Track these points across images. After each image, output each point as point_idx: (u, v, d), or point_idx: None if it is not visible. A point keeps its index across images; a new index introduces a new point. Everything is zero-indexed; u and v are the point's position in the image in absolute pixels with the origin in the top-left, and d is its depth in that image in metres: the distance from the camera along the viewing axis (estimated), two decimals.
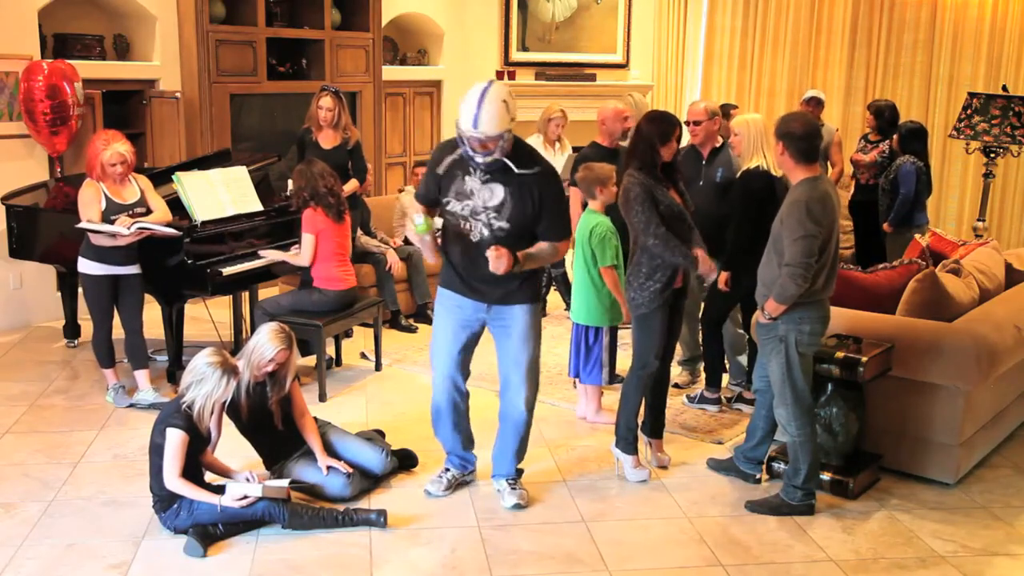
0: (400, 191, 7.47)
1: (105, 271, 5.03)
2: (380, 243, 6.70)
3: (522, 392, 4.02)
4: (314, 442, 4.18)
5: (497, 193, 3.79)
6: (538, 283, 4.07)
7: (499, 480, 4.19)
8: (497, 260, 3.71)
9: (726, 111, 6.76)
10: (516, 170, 3.74)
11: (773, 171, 4.83)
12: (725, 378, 5.58)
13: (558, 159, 6.78)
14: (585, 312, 4.94)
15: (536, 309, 4.02)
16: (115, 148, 4.96)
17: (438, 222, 4.01)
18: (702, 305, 5.40)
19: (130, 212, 5.02)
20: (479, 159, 3.71)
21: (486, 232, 3.81)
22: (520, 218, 3.81)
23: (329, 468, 4.09)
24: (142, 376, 5.20)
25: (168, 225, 5.13)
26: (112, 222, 4.94)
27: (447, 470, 4.24)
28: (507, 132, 3.67)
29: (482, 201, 3.79)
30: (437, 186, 3.88)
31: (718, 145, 5.37)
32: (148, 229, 4.99)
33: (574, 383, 5.27)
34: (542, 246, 3.87)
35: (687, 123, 5.30)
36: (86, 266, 5.04)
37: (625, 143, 5.57)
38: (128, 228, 4.93)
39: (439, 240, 4.02)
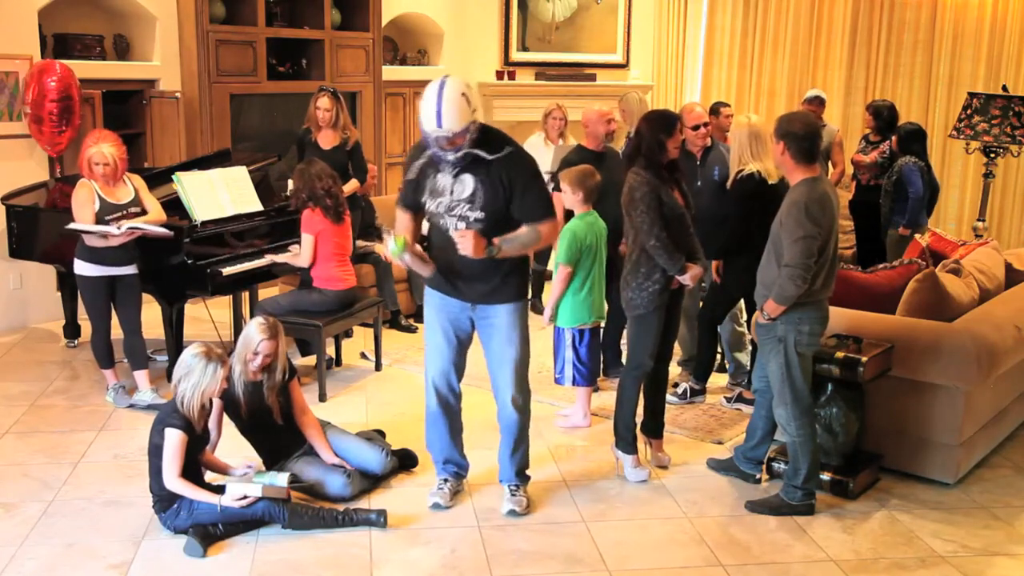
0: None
1: (101, 272, 5.02)
2: (367, 243, 6.66)
3: (509, 392, 3.96)
4: (319, 441, 4.18)
5: (468, 184, 3.74)
6: (524, 279, 3.97)
7: (502, 485, 4.17)
8: (463, 240, 3.67)
9: (716, 109, 6.79)
10: (488, 157, 3.69)
11: (767, 177, 4.85)
12: (725, 378, 5.59)
13: (553, 151, 6.85)
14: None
15: (523, 307, 3.95)
16: (100, 148, 4.94)
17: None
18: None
19: (125, 212, 5.01)
20: (449, 156, 3.67)
21: (462, 226, 3.76)
22: (494, 204, 3.74)
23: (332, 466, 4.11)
24: (141, 376, 5.19)
25: (162, 225, 5.12)
26: (106, 222, 4.93)
27: (445, 480, 4.16)
28: (471, 124, 3.60)
29: (455, 195, 3.76)
30: (414, 189, 3.87)
31: (708, 145, 5.39)
32: (139, 229, 4.99)
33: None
34: (522, 230, 3.78)
35: (695, 127, 5.30)
36: (82, 267, 5.03)
37: (611, 144, 5.58)
38: (119, 228, 4.92)
39: (422, 248, 3.95)
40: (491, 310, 3.90)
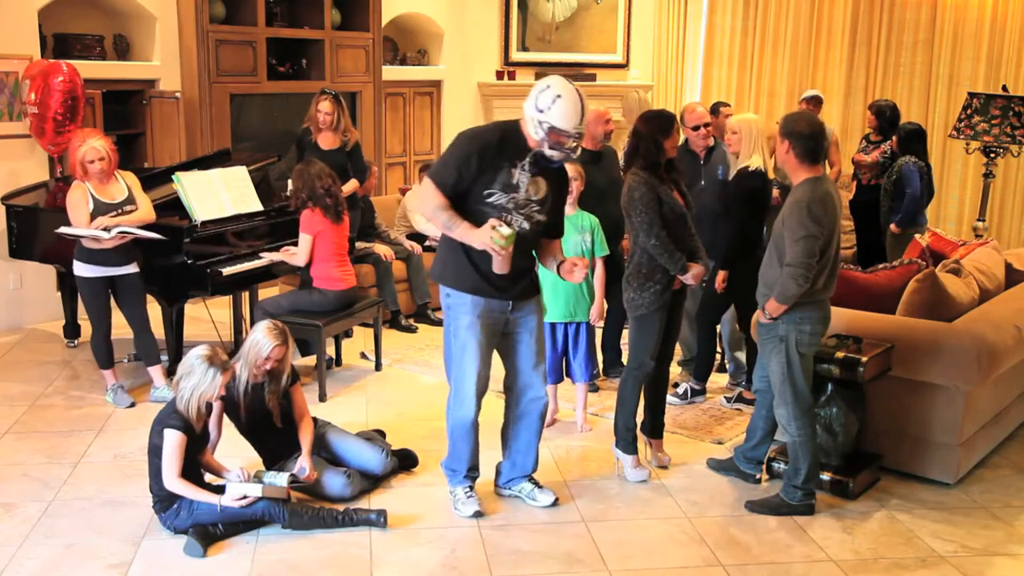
0: (406, 190, 7.48)
1: (100, 273, 5.02)
2: (367, 244, 6.66)
3: (545, 382, 4.07)
4: (305, 441, 4.12)
5: (542, 187, 3.78)
6: None
7: (520, 482, 4.15)
8: (579, 271, 3.84)
9: (716, 109, 6.79)
10: (566, 161, 3.80)
11: (769, 173, 4.85)
12: (725, 378, 5.59)
13: None
14: (572, 309, 4.88)
15: None
16: (91, 144, 4.91)
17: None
18: None
19: (120, 211, 5.00)
20: (559, 155, 3.69)
21: (526, 226, 3.78)
22: (554, 212, 3.88)
23: (304, 471, 4.02)
24: (156, 372, 5.19)
25: (153, 227, 5.09)
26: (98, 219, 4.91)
27: (470, 487, 4.07)
28: None
29: (528, 195, 3.75)
30: (474, 175, 3.68)
31: (711, 144, 5.38)
32: (129, 233, 4.97)
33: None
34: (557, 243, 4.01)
35: (696, 128, 5.30)
36: (81, 268, 5.02)
37: (609, 144, 5.58)
38: (108, 233, 4.90)
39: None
40: (528, 304, 3.96)
